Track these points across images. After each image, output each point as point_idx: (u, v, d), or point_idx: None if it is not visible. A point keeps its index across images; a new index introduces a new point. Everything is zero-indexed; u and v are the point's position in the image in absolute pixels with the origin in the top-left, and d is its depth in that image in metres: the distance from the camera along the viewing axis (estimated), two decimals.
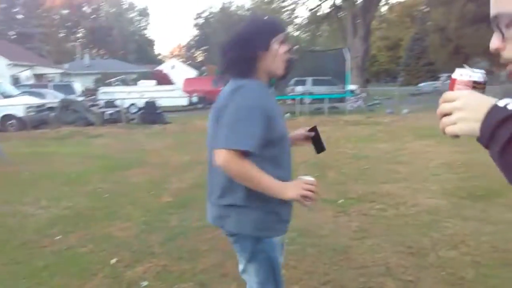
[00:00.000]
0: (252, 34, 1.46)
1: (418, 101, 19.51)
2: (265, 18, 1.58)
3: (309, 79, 17.37)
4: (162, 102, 15.61)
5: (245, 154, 1.35)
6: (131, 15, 63.46)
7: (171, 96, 18.71)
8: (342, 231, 3.53)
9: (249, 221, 1.50)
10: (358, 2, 25.43)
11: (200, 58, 63.19)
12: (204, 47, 60.85)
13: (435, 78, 31.96)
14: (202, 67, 49.65)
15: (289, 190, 1.43)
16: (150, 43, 66.44)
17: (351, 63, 17.42)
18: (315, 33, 36.55)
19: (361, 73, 25.16)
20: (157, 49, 76.13)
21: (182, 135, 10.62)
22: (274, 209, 1.52)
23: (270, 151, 1.45)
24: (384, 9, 38.10)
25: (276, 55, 1.47)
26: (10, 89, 14.78)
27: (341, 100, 16.20)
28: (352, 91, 16.32)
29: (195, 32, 62.11)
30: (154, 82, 24.45)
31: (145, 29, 65.56)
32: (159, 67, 40.80)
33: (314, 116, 13.62)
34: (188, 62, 56.15)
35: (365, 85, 26.55)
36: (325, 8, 29.73)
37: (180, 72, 36.76)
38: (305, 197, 1.44)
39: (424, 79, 33.32)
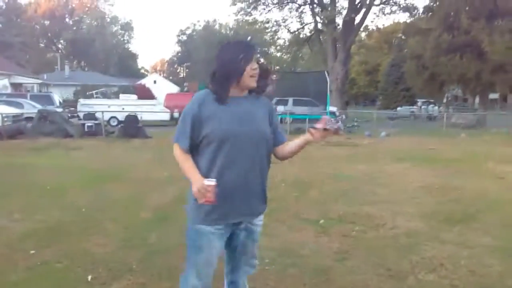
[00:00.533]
0: (228, 64, 1.81)
1: (396, 124, 20.02)
2: (238, 44, 1.91)
3: (290, 99, 17.60)
4: (143, 117, 15.49)
5: (180, 146, 1.87)
6: (115, 29, 63.18)
7: (153, 111, 18.59)
8: (323, 252, 3.54)
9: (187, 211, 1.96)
10: (339, 27, 26.15)
11: (182, 74, 63.20)
12: (187, 64, 61.00)
13: (412, 103, 32.91)
14: (184, 83, 49.64)
15: (194, 184, 1.79)
16: (133, 56, 66.16)
17: (331, 85, 17.79)
18: (297, 55, 37.25)
19: (341, 95, 25.67)
20: (140, 63, 75.83)
21: (163, 150, 10.49)
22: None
23: (206, 148, 1.83)
24: (363, 34, 39.28)
25: (247, 74, 1.81)
26: None
27: None
28: (332, 113, 16.62)
29: (178, 48, 62.24)
30: (135, 96, 24.27)
31: (128, 42, 65.29)
32: (141, 81, 40.56)
33: (295, 136, 13.69)
34: (170, 78, 56.08)
35: (345, 107, 27.09)
36: (307, 31, 30.45)
37: (162, 87, 36.64)
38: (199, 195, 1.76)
39: (401, 104, 34.26)
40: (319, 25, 28.13)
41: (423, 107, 29.21)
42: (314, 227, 4.16)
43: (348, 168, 7.69)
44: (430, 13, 22.97)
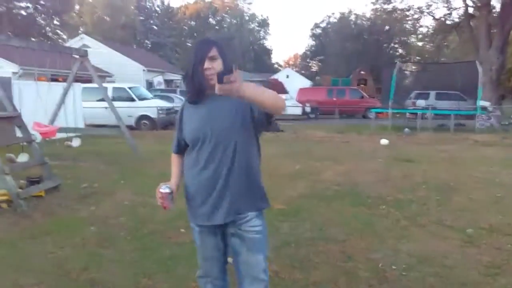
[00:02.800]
0: (188, 66, 1.83)
1: None
2: (194, 45, 1.89)
3: (433, 93, 16.15)
4: None
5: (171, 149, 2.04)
6: (252, 26, 66.58)
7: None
8: (470, 264, 3.17)
9: None
10: (495, 10, 22.90)
11: (315, 68, 63.35)
12: (319, 57, 60.86)
13: None
14: (316, 77, 49.67)
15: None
16: (268, 52, 68.79)
17: (483, 77, 15.70)
18: (441, 44, 33.88)
19: (495, 88, 22.47)
20: (274, 58, 78.48)
21: (294, 144, 10.73)
22: (188, 201, 1.93)
23: (189, 150, 1.90)
24: None
25: (202, 76, 1.76)
26: (145, 92, 16.63)
27: (469, 117, 14.68)
28: (484, 108, 14.65)
29: (311, 42, 62.47)
30: None
31: (264, 38, 68.12)
32: (275, 76, 41.98)
33: (438, 133, 12.59)
34: (302, 72, 56.76)
35: (499, 102, 23.69)
36: (455, 17, 27.41)
37: (295, 81, 37.32)
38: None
39: None
40: (470, 9, 25.05)
41: None
42: (460, 236, 3.76)
43: (503, 172, 6.72)
44: None
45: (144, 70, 25.87)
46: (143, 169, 6.89)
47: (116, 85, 15.95)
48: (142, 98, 14.89)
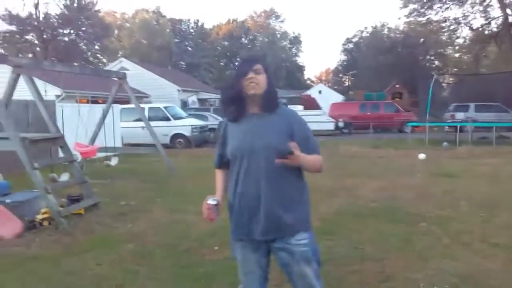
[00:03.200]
0: (231, 83, 1.89)
1: None
2: (238, 64, 2.00)
3: (472, 105, 15.59)
4: (309, 126, 15.93)
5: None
6: (284, 43, 67.18)
7: (318, 121, 18.96)
8: None
9: None
10: None
11: (347, 83, 62.84)
12: (352, 72, 60.35)
13: None
14: (349, 92, 49.19)
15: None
16: (300, 68, 69.01)
17: None
18: (480, 54, 32.81)
19: None
20: (307, 74, 78.60)
21: (327, 159, 10.56)
22: (230, 216, 1.96)
23: (232, 165, 1.93)
24: None
25: (246, 86, 1.84)
26: (180, 111, 17.04)
27: None
28: None
29: (343, 57, 62.15)
30: (301, 107, 25.19)
31: (296, 55, 68.47)
32: (307, 92, 41.93)
33: (479, 146, 12.07)
34: (335, 87, 56.39)
35: None
36: (494, 27, 26.57)
37: (327, 97, 37.09)
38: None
39: None
40: (510, 18, 24.22)
41: None
42: (505, 254, 3.55)
43: None
44: None
45: (179, 90, 26.56)
46: (178, 186, 7.01)
47: (152, 105, 16.44)
48: (177, 117, 15.25)
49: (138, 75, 23.89)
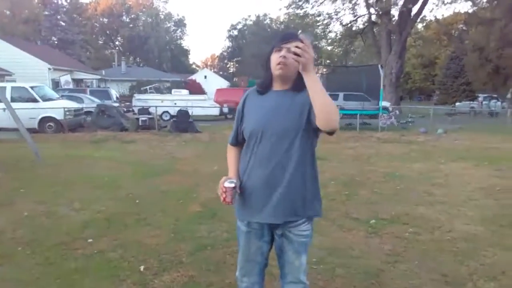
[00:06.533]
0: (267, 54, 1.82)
1: (454, 121, 18.97)
2: (279, 34, 1.84)
3: (341, 94, 17.23)
4: (194, 111, 15.86)
5: (229, 141, 1.98)
6: (168, 25, 65.12)
7: (203, 106, 18.98)
8: (374, 254, 3.42)
9: None
10: (394, 18, 25.14)
11: (232, 69, 63.91)
12: (237, 59, 61.54)
13: (473, 98, 31.01)
14: (234, 78, 50.19)
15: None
16: (185, 52, 67.85)
17: (384, 80, 17.14)
18: (349, 48, 36.30)
19: (395, 90, 24.74)
20: (192, 59, 77.57)
21: (212, 144, 10.70)
22: (239, 196, 1.88)
23: (245, 144, 1.86)
24: (420, 26, 37.49)
25: (273, 63, 1.76)
26: (50, 92, 15.37)
27: (373, 116, 15.94)
28: (385, 108, 15.99)
29: (228, 43, 62.94)
30: (186, 91, 24.88)
31: (181, 39, 67.04)
32: (192, 77, 41.51)
33: (345, 132, 13.43)
34: (220, 73, 56.91)
35: (399, 102, 26.07)
36: (360, 24, 29.58)
37: (212, 82, 37.27)
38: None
39: (460, 99, 32.41)
40: (373, 17, 27.21)
41: (484, 102, 27.39)
42: (364, 228, 4.04)
43: (402, 167, 7.39)
44: (495, 2, 21.47)
45: (49, 68, 23.97)
46: (47, 176, 6.35)
47: (16, 84, 14.52)
48: (46, 99, 13.72)
49: None
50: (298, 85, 1.71)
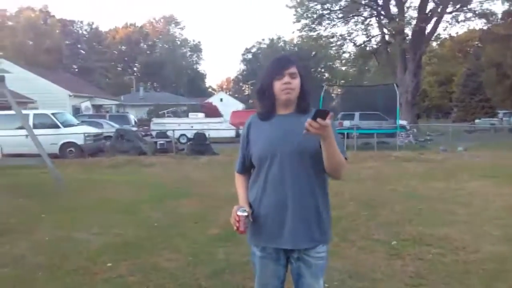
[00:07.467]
0: (262, 80, 1.82)
1: (474, 138, 18.60)
2: (272, 61, 1.83)
3: (357, 114, 17.15)
4: (210, 134, 16.00)
5: (235, 169, 1.98)
6: (184, 51, 66.57)
7: (219, 128, 19.13)
8: (396, 276, 3.32)
9: None
10: (408, 37, 25.15)
11: (247, 92, 64.55)
12: (251, 81, 62.22)
13: (492, 114, 30.45)
14: (249, 100, 50.62)
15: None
16: (201, 76, 69.00)
17: (400, 98, 17.04)
18: (363, 68, 36.34)
19: (411, 108, 24.52)
20: (208, 82, 78.85)
21: (229, 166, 10.69)
22: (252, 222, 1.85)
23: (254, 170, 1.86)
24: (435, 44, 37.41)
25: (278, 89, 1.75)
26: (71, 118, 15.76)
27: (391, 135, 15.77)
28: (402, 127, 15.83)
29: (243, 66, 63.85)
30: (203, 114, 25.19)
31: (197, 63, 68.34)
32: (209, 100, 42.06)
33: (363, 151, 13.30)
34: (235, 95, 57.54)
35: (416, 120, 25.78)
36: (374, 44, 29.67)
37: (228, 105, 37.66)
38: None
39: (479, 115, 31.88)
40: (387, 37, 27.29)
41: (504, 118, 26.84)
42: (386, 249, 3.94)
43: (422, 186, 7.24)
44: (510, 19, 21.31)
45: (70, 95, 24.64)
46: (67, 201, 6.44)
47: (38, 111, 14.95)
48: (67, 125, 14.06)
49: (22, 79, 21.70)
50: (301, 107, 1.79)
